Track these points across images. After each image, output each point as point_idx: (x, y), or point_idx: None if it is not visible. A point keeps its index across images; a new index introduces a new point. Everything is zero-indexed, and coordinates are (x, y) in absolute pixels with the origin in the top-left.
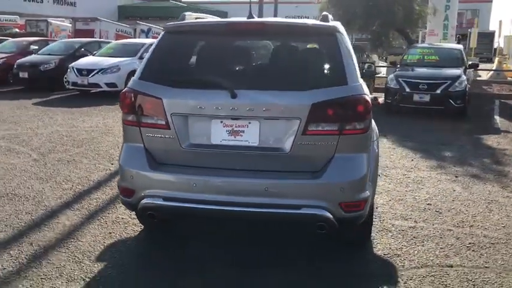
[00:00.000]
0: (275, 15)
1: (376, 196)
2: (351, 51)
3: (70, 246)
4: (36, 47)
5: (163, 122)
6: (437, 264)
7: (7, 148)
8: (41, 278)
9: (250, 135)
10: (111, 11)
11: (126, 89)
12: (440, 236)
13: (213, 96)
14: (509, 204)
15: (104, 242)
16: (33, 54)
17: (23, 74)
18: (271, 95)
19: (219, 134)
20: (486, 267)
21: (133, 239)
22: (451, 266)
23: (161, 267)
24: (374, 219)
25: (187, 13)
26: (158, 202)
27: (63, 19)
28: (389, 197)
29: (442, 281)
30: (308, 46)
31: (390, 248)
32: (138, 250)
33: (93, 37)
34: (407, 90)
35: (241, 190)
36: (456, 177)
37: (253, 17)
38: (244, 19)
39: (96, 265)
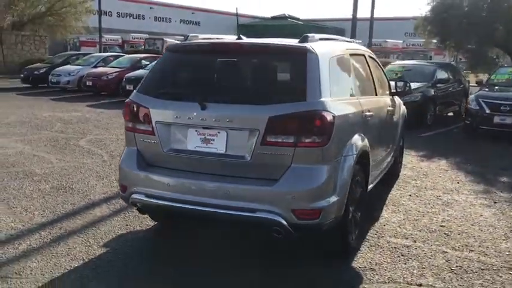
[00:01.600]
0: (370, 32)
1: (391, 214)
2: (323, 70)
3: (88, 232)
4: (147, 63)
5: (150, 129)
6: (406, 281)
7: (87, 150)
8: (51, 255)
9: (219, 144)
10: (232, 29)
11: (127, 100)
12: (430, 256)
13: (186, 108)
14: None
15: (119, 232)
16: (140, 69)
17: (129, 87)
18: (234, 108)
19: (194, 141)
20: None
21: (145, 232)
22: (420, 285)
23: (161, 260)
24: (372, 235)
25: (192, 34)
26: (142, 198)
27: (179, 37)
28: (404, 216)
29: None
30: (277, 64)
31: (370, 262)
32: (144, 242)
33: None
34: (488, 111)
35: (206, 192)
36: (494, 202)
37: (241, 39)
38: (233, 40)
39: (101, 250)
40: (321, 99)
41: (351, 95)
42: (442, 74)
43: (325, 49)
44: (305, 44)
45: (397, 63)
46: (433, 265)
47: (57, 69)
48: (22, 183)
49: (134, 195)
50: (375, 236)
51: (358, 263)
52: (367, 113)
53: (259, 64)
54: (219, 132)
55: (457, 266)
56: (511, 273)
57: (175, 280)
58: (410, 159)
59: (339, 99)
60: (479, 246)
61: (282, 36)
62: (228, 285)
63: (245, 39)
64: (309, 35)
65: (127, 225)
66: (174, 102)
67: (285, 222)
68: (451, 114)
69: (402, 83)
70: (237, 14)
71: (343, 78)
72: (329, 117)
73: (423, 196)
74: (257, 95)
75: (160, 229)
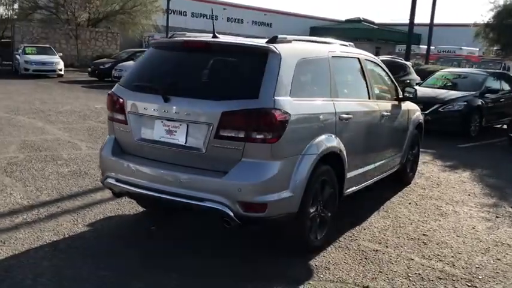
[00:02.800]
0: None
1: (378, 219)
2: (284, 71)
3: (80, 213)
4: None
5: (124, 118)
6: (354, 282)
7: None
8: (38, 229)
9: (180, 135)
10: (304, 32)
11: (109, 92)
12: (393, 262)
13: (153, 100)
14: None
15: (108, 215)
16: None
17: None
18: (193, 102)
19: (159, 132)
20: None
21: (131, 216)
22: (366, 287)
23: (132, 241)
24: (346, 237)
25: (178, 33)
26: (112, 182)
27: None
28: (390, 223)
29: None
30: (239, 62)
31: (329, 262)
32: (126, 225)
33: None
34: None
35: (164, 180)
36: (497, 217)
37: (217, 37)
38: (208, 38)
39: (84, 228)
40: (275, 98)
41: (324, 97)
42: (493, 83)
43: (293, 51)
44: (269, 45)
45: (445, 71)
46: (391, 270)
47: (120, 64)
48: (45, 165)
49: (107, 180)
50: (349, 238)
51: (316, 261)
52: (344, 116)
53: (221, 61)
54: (180, 125)
55: (415, 274)
56: (468, 285)
57: (137, 259)
58: (431, 169)
59: (303, 99)
60: (452, 257)
61: (354, 39)
62: (176, 269)
63: (221, 38)
64: (280, 36)
65: (118, 209)
66: (143, 94)
67: (231, 213)
68: (504, 127)
69: (412, 89)
70: (212, 17)
71: (315, 80)
72: (279, 116)
73: (423, 205)
74: (214, 91)
75: (146, 215)
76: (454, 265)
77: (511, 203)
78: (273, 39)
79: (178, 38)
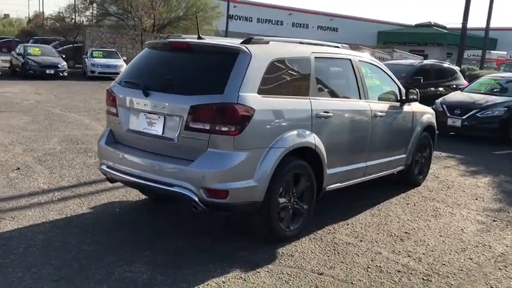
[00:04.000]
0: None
1: (366, 216)
2: (254, 69)
3: (89, 197)
4: None
5: (115, 111)
6: (311, 269)
7: None
8: (46, 209)
9: (159, 127)
10: (371, 37)
11: (107, 88)
12: (360, 255)
13: (136, 94)
14: (496, 252)
15: (112, 200)
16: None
17: None
18: (167, 96)
19: (142, 123)
20: (351, 282)
21: (132, 203)
22: (321, 274)
23: (124, 225)
24: (326, 230)
25: (174, 35)
26: (104, 168)
27: None
28: (377, 220)
29: (289, 280)
30: (211, 61)
31: (297, 250)
32: (125, 210)
33: None
34: None
35: (142, 166)
36: (494, 221)
37: (202, 38)
38: (193, 39)
39: (87, 211)
40: (240, 93)
41: (301, 95)
42: None
43: (267, 51)
44: (241, 45)
45: (490, 76)
46: (353, 261)
47: None
48: (76, 156)
49: (101, 166)
50: (328, 231)
51: (284, 249)
52: (323, 113)
53: (198, 60)
54: (159, 117)
55: (375, 266)
56: (424, 279)
57: (121, 238)
58: (450, 173)
59: (273, 96)
60: (423, 254)
61: (423, 44)
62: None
63: (206, 40)
64: (255, 36)
65: (123, 196)
66: (130, 89)
67: (196, 198)
68: None
69: (415, 90)
70: (196, 20)
71: (292, 78)
72: (241, 110)
73: (420, 206)
74: (186, 87)
75: (145, 202)
76: (420, 261)
77: None
78: (248, 40)
79: (166, 40)
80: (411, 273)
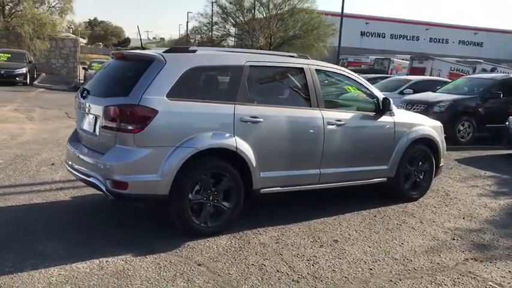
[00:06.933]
0: None
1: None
2: (166, 75)
3: (82, 189)
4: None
5: (76, 113)
6: (195, 261)
7: None
8: (46, 195)
9: (91, 125)
10: None
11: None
12: (260, 255)
13: (80, 97)
14: (409, 266)
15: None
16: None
17: None
18: (93, 99)
19: (85, 123)
20: (219, 274)
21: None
22: (199, 265)
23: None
24: (255, 233)
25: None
26: (66, 165)
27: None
28: (323, 227)
29: (164, 267)
30: (132, 67)
31: (205, 244)
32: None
33: (423, 75)
34: None
35: (78, 160)
36: (453, 239)
37: (144, 49)
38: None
39: (68, 199)
40: (144, 96)
41: (224, 100)
42: None
43: (187, 59)
44: (158, 53)
45: None
46: (246, 260)
47: None
48: None
49: (64, 163)
50: (256, 232)
51: (194, 242)
52: (249, 118)
53: (124, 67)
54: (92, 117)
55: (261, 264)
56: (297, 281)
57: (68, 225)
58: (467, 191)
59: (186, 100)
60: (326, 260)
61: None
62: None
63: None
64: (179, 46)
65: None
66: (79, 94)
67: (103, 188)
68: None
69: (387, 100)
70: (138, 31)
71: (216, 85)
72: (141, 111)
73: (383, 219)
74: (106, 90)
75: None
76: (312, 266)
77: (491, 233)
78: (171, 49)
79: (121, 51)
80: (293, 278)
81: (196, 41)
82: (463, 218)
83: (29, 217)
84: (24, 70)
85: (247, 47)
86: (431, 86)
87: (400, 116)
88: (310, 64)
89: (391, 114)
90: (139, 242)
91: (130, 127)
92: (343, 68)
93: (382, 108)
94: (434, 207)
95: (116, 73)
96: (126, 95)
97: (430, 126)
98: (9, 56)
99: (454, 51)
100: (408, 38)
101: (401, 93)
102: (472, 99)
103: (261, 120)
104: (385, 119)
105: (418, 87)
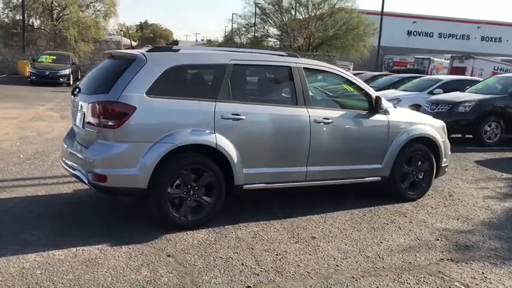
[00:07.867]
0: None
1: (301, 220)
2: (146, 73)
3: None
4: None
5: (71, 111)
6: (166, 252)
7: None
8: (49, 188)
9: (81, 122)
10: None
11: None
12: (231, 248)
13: (74, 96)
14: (381, 264)
15: None
16: None
17: None
18: (81, 96)
19: (78, 120)
20: (184, 265)
21: None
22: (168, 256)
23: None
24: (237, 228)
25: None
26: (60, 161)
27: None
28: (306, 224)
29: (134, 256)
30: (117, 66)
31: (182, 237)
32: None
33: (464, 75)
34: None
35: (69, 156)
36: (436, 240)
37: (133, 48)
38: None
39: (70, 191)
40: (123, 94)
41: (205, 98)
42: None
43: (168, 58)
44: (140, 53)
45: None
46: (216, 253)
47: None
48: None
49: (59, 160)
50: (237, 228)
51: (172, 235)
52: (230, 115)
53: (111, 66)
54: (81, 113)
55: (229, 257)
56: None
57: (58, 215)
58: (473, 193)
59: (165, 97)
60: (286, 256)
61: None
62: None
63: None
64: (163, 46)
65: None
66: (72, 92)
67: (86, 180)
68: None
69: (380, 99)
70: (128, 33)
71: (197, 83)
72: (119, 108)
73: (371, 218)
74: (92, 88)
75: None
76: (267, 263)
77: (480, 235)
78: (153, 49)
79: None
80: (255, 269)
81: (237, 43)
82: (457, 219)
83: (27, 208)
84: (67, 71)
85: (286, 47)
86: (463, 85)
87: (396, 114)
88: (298, 63)
89: (386, 112)
90: (120, 233)
91: (110, 123)
92: (334, 67)
93: (374, 106)
94: (431, 207)
95: (103, 72)
96: (107, 93)
97: (430, 126)
98: (54, 57)
99: (508, 50)
100: (458, 37)
101: (431, 93)
102: (502, 98)
103: (243, 117)
104: (378, 117)
105: (448, 87)
